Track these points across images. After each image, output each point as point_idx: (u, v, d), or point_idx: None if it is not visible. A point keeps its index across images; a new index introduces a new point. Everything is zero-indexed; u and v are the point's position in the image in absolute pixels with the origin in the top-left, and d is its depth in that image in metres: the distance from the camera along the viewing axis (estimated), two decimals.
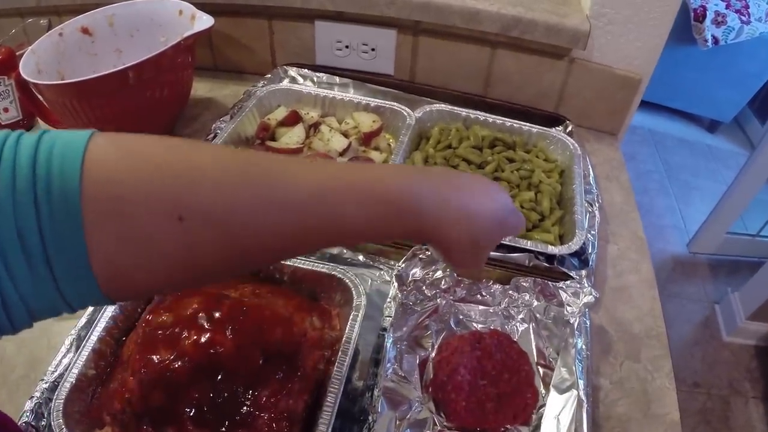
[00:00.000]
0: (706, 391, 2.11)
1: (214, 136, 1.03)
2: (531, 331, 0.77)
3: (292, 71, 1.23)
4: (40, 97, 1.05)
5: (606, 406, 0.74)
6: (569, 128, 1.11)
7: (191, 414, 0.63)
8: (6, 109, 1.10)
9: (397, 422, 0.66)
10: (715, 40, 2.78)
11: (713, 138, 3.38)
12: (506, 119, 1.07)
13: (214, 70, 1.32)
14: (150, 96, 1.00)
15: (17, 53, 1.09)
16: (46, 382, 0.69)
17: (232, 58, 1.31)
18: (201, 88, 1.20)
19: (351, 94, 1.14)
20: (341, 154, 1.01)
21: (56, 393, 0.66)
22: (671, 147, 3.26)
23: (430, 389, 0.70)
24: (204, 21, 1.04)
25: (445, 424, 0.68)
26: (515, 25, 1.06)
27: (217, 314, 0.68)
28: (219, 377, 0.64)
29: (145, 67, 0.95)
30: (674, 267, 2.59)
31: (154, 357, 0.66)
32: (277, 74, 1.23)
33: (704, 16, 2.75)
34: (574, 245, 0.84)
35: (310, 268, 0.77)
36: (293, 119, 1.06)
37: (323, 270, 0.76)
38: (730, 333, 2.28)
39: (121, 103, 0.98)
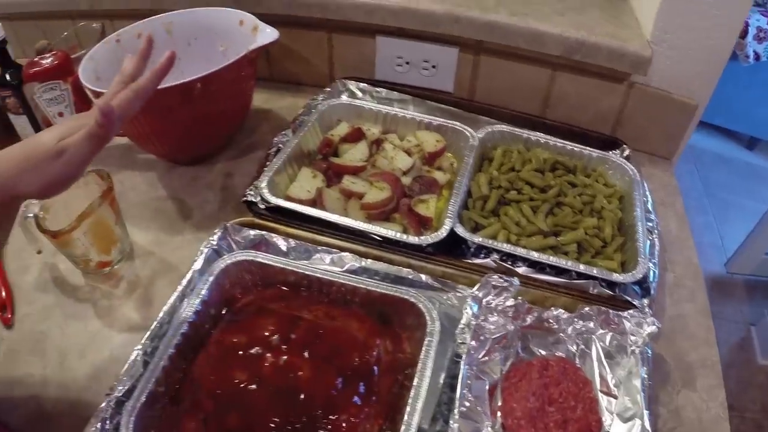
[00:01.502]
0: (740, 414, 2.09)
1: (277, 150, 1.05)
2: (594, 358, 0.78)
3: (351, 85, 1.25)
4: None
5: None
6: (626, 152, 1.11)
7: None
8: (61, 114, 1.12)
9: None
10: (757, 56, 2.75)
11: (752, 155, 3.34)
12: (566, 142, 1.08)
13: (270, 80, 1.34)
14: (213, 107, 1.02)
15: (72, 56, 1.12)
16: (112, 398, 0.69)
17: (290, 69, 1.34)
18: (258, 99, 1.22)
19: (412, 112, 1.14)
20: (405, 173, 1.02)
21: (125, 409, 0.67)
22: (709, 164, 3.23)
23: (499, 414, 0.72)
24: (268, 34, 1.05)
25: None
26: (578, 49, 1.07)
27: (293, 336, 0.70)
28: (297, 401, 0.66)
29: (210, 79, 0.96)
30: (711, 286, 2.56)
31: (231, 378, 0.68)
32: (336, 87, 1.24)
33: (746, 32, 2.72)
34: (638, 273, 0.84)
35: (382, 291, 0.78)
36: (356, 136, 1.07)
37: (396, 294, 0.77)
38: (765, 356, 2.26)
39: (184, 114, 0.99)
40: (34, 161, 0.60)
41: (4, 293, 0.88)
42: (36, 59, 1.09)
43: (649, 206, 0.99)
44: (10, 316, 0.86)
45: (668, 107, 1.12)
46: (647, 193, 1.02)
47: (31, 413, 0.75)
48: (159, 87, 0.91)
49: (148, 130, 1.01)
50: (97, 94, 0.98)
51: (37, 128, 1.15)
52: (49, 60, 1.08)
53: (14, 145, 0.62)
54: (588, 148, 1.07)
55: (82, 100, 1.08)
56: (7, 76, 1.08)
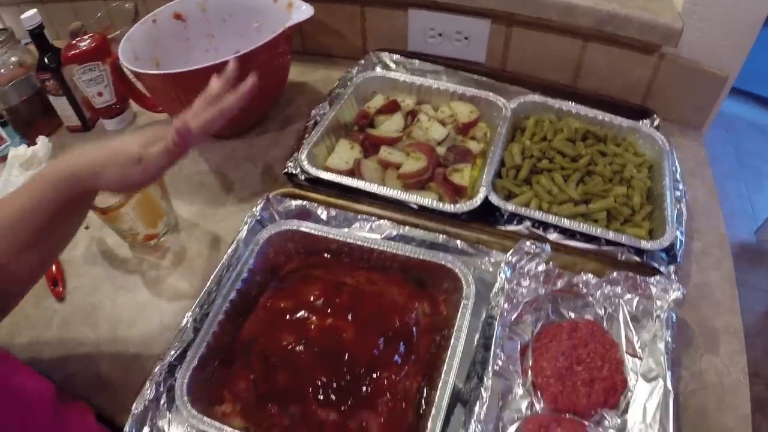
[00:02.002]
0: (765, 381, 2.09)
1: (314, 123, 1.08)
2: (621, 322, 0.81)
3: (385, 57, 1.27)
4: (135, 82, 1.12)
5: (685, 396, 0.78)
6: (656, 122, 1.13)
7: (316, 395, 0.69)
8: (100, 93, 1.17)
9: (500, 404, 0.72)
10: None
11: None
12: (597, 112, 1.09)
13: (303, 53, 1.37)
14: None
15: (107, 37, 1.17)
16: (165, 362, 0.75)
17: (323, 42, 1.36)
18: (292, 72, 1.24)
19: (445, 83, 1.17)
20: (440, 143, 1.06)
21: (179, 372, 0.72)
22: (743, 131, 3.18)
23: (530, 373, 0.76)
24: (303, 11, 1.07)
25: (542, 406, 0.74)
26: (610, 21, 1.07)
27: (337, 300, 0.75)
28: (342, 360, 0.70)
29: (249, 57, 0.99)
30: (740, 254, 2.54)
31: (280, 341, 0.73)
32: (369, 60, 1.27)
33: None
34: (665, 241, 0.87)
35: (420, 257, 0.82)
36: (392, 107, 1.11)
37: (433, 260, 0.81)
38: None
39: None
40: (118, 160, 0.66)
41: (54, 268, 0.94)
42: (74, 42, 1.13)
43: (678, 176, 1.01)
44: (61, 289, 0.91)
45: (698, 78, 1.13)
46: (676, 162, 1.04)
47: (88, 379, 0.81)
48: (201, 66, 0.95)
49: (186, 107, 1.03)
50: (137, 74, 1.03)
51: (77, 108, 1.20)
52: (86, 42, 1.12)
53: (104, 144, 0.68)
54: (618, 117, 1.09)
55: (120, 80, 1.12)
56: (46, 60, 1.12)
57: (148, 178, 0.68)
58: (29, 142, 1.17)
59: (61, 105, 1.18)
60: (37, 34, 1.09)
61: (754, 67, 2.85)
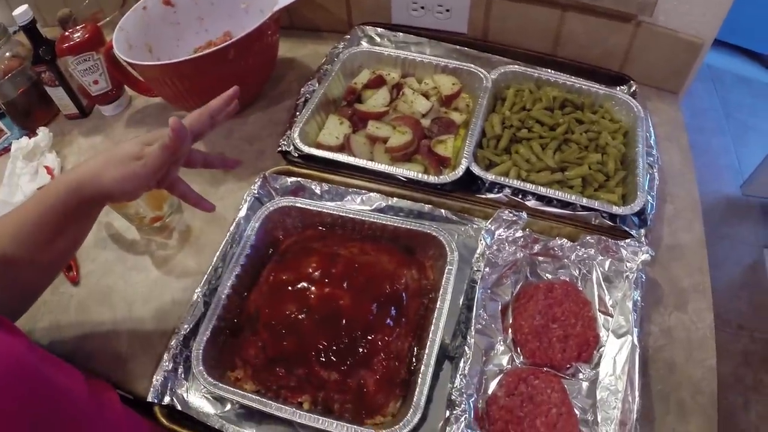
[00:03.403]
0: (749, 333, 2.15)
1: (305, 100, 1.13)
2: (594, 282, 0.88)
3: (370, 30, 1.31)
4: (130, 69, 1.15)
5: (654, 350, 0.84)
6: (633, 88, 1.17)
7: (319, 357, 0.76)
8: (96, 81, 1.20)
9: (484, 358, 0.79)
10: None
11: None
12: (575, 80, 1.14)
13: (290, 28, 1.40)
14: (245, 65, 1.09)
15: (98, 25, 1.19)
16: (180, 335, 0.82)
17: (308, 16, 1.39)
18: (281, 48, 1.27)
19: (429, 56, 1.21)
20: (424, 115, 1.11)
21: (194, 344, 0.79)
22: (729, 84, 3.19)
23: (510, 331, 0.83)
24: None
25: (521, 360, 0.81)
26: None
27: (333, 271, 0.81)
28: (341, 326, 0.78)
29: (241, 42, 1.03)
30: (726, 208, 2.59)
31: (284, 310, 0.79)
32: (355, 34, 1.31)
33: None
34: (635, 206, 0.92)
35: (408, 227, 0.89)
36: (378, 82, 1.15)
37: (420, 229, 0.88)
38: None
39: (219, 75, 1.07)
40: (117, 158, 0.70)
41: None
42: (67, 34, 1.15)
43: (652, 141, 1.06)
44: (75, 274, 0.96)
45: (674, 45, 1.17)
46: (651, 128, 1.09)
47: (108, 358, 0.86)
48: (196, 56, 0.99)
49: (182, 91, 1.09)
50: (131, 65, 1.07)
51: (74, 97, 1.23)
52: (79, 33, 1.15)
53: (105, 151, 0.73)
54: (596, 84, 1.14)
55: (114, 67, 1.15)
56: (41, 53, 1.14)
57: (149, 171, 0.70)
58: (29, 133, 1.20)
59: (58, 95, 1.21)
60: (29, 29, 1.11)
61: (741, 21, 2.88)
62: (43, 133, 1.18)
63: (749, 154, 2.77)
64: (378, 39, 1.30)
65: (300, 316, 0.78)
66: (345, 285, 0.80)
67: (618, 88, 1.16)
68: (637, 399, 0.73)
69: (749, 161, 2.70)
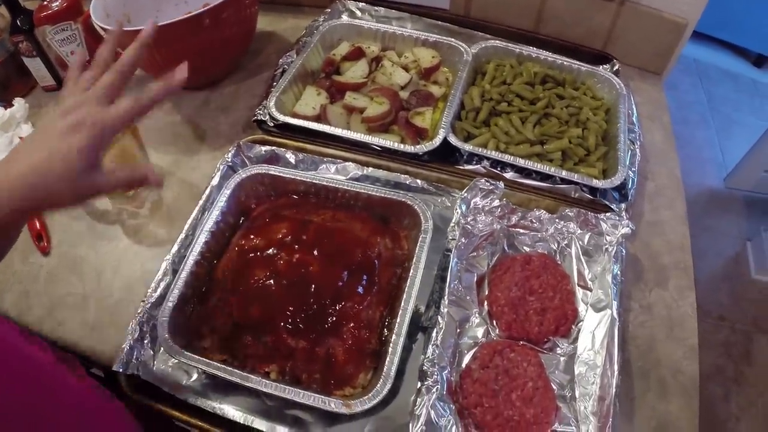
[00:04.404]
0: (731, 325, 2.17)
1: (282, 71, 1.11)
2: (573, 255, 0.87)
3: (351, 5, 1.29)
4: None
5: (634, 326, 0.83)
6: (616, 67, 1.16)
7: (286, 324, 0.74)
8: (73, 52, 1.17)
9: (458, 330, 0.77)
10: None
11: (759, 73, 3.30)
12: (557, 56, 1.13)
13: (272, 2, 1.37)
14: (221, 35, 1.07)
15: None
16: (147, 303, 0.80)
17: None
18: (262, 22, 1.25)
19: (409, 29, 1.19)
20: (403, 87, 1.09)
21: (160, 311, 0.76)
22: (715, 79, 3.21)
23: (486, 303, 0.81)
24: None
25: (497, 333, 0.79)
26: None
27: (304, 237, 0.79)
28: (309, 292, 0.75)
29: (217, 9, 1.01)
30: (710, 200, 2.60)
31: (252, 276, 0.77)
32: (336, 8, 1.29)
33: None
34: (616, 180, 0.91)
35: (382, 195, 0.86)
36: (357, 54, 1.13)
37: (394, 197, 0.86)
38: (758, 271, 2.31)
39: (194, 43, 1.05)
40: (54, 148, 0.55)
41: (38, 224, 0.96)
42: (45, 3, 1.13)
43: (634, 119, 1.05)
44: (46, 244, 0.94)
45: (658, 25, 1.16)
46: (633, 106, 1.08)
47: (77, 326, 0.84)
48: (172, 21, 0.96)
49: (158, 61, 1.06)
50: (108, 32, 1.04)
51: (51, 69, 1.20)
52: (58, 2, 1.12)
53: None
54: (577, 62, 1.12)
55: (92, 38, 1.14)
56: (18, 23, 1.11)
57: (103, 127, 0.57)
58: (5, 104, 1.17)
59: (35, 66, 1.19)
60: None
61: (728, 16, 2.90)
62: (18, 104, 1.15)
63: (733, 147, 2.79)
64: (359, 13, 1.28)
65: (268, 282, 0.76)
66: (315, 252, 0.78)
67: (601, 67, 1.14)
68: (616, 374, 0.72)
69: (733, 154, 2.71)
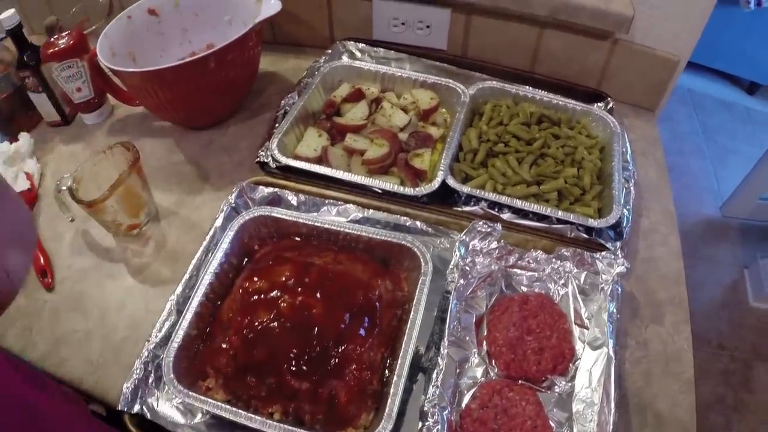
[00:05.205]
0: (730, 353, 2.17)
1: (284, 112, 1.13)
2: (570, 294, 0.88)
3: (351, 46, 1.32)
4: (113, 77, 1.15)
5: (631, 363, 0.85)
6: (610, 105, 1.19)
7: (290, 366, 0.75)
8: (79, 89, 1.19)
9: (458, 371, 0.79)
10: (758, 2, 2.75)
11: (753, 100, 3.35)
12: (552, 96, 1.15)
13: (273, 43, 1.41)
14: (226, 76, 1.10)
15: (83, 32, 1.19)
16: (152, 343, 0.81)
17: (292, 32, 1.40)
18: (264, 62, 1.29)
19: (408, 71, 1.22)
20: (402, 129, 1.11)
21: (165, 352, 0.78)
22: (710, 108, 3.24)
23: (485, 344, 0.83)
24: (272, 5, 1.11)
25: (496, 372, 0.80)
26: (563, 9, 1.13)
27: (306, 280, 0.81)
28: (312, 334, 0.77)
29: (222, 52, 1.04)
30: (706, 229, 2.62)
31: (256, 318, 0.79)
32: (336, 49, 1.32)
33: None
34: (611, 219, 0.93)
35: (382, 238, 0.88)
36: (357, 96, 1.16)
37: (394, 240, 0.88)
38: (756, 298, 2.33)
39: (200, 85, 1.07)
40: None
41: (42, 260, 0.97)
42: (52, 40, 1.15)
43: (628, 157, 1.08)
44: (50, 280, 0.95)
45: (651, 62, 1.19)
46: (627, 144, 1.10)
47: (80, 365, 0.85)
48: (176, 64, 0.99)
49: (163, 101, 1.09)
50: (114, 71, 1.08)
51: (56, 104, 1.22)
52: (64, 40, 1.15)
53: None
54: (573, 101, 1.15)
55: (98, 75, 1.16)
56: (25, 58, 1.14)
57: None
58: (10, 139, 1.19)
59: (40, 101, 1.21)
60: (15, 33, 1.11)
61: (721, 45, 2.95)
62: (24, 138, 1.17)
63: (728, 176, 2.81)
64: (359, 54, 1.31)
65: (272, 325, 0.77)
66: (318, 294, 0.79)
67: (595, 105, 1.17)
68: (613, 411, 0.73)
69: (728, 183, 2.74)
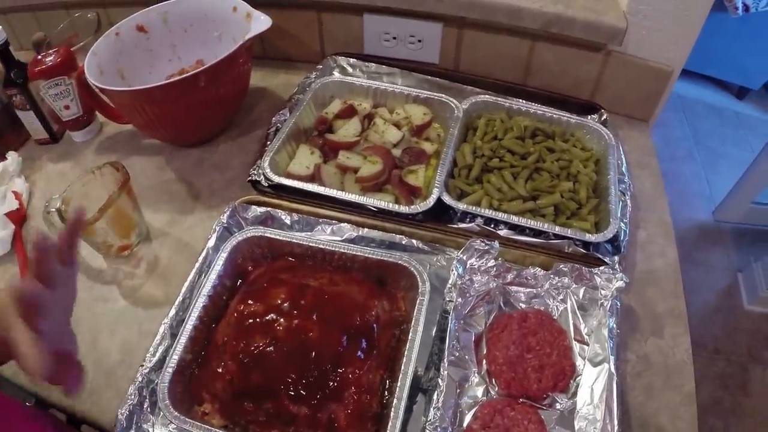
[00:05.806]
0: (726, 357, 2.19)
1: (276, 130, 1.12)
2: (569, 310, 0.87)
3: (342, 61, 1.31)
4: (101, 94, 1.14)
5: (632, 377, 0.84)
6: (604, 116, 1.19)
7: (287, 391, 0.74)
8: (67, 107, 1.18)
9: (458, 390, 0.78)
10: (746, 8, 2.77)
11: (742, 105, 3.38)
12: (546, 109, 1.15)
13: (263, 58, 1.40)
14: (216, 94, 1.09)
15: (71, 49, 1.18)
16: (146, 368, 0.79)
17: (282, 47, 1.39)
18: (254, 78, 1.28)
19: (401, 86, 1.21)
20: (395, 145, 1.10)
21: (160, 377, 0.76)
22: (701, 113, 3.27)
23: (485, 362, 0.82)
24: (262, 21, 1.11)
25: (497, 391, 0.79)
26: (555, 22, 1.13)
27: (302, 302, 0.79)
28: (310, 358, 0.75)
29: (212, 70, 1.03)
30: (699, 234, 2.64)
31: (252, 342, 0.77)
32: (327, 64, 1.31)
33: None
34: (608, 233, 0.92)
35: (378, 257, 0.87)
36: (349, 112, 1.15)
37: (390, 259, 0.87)
38: (751, 302, 2.34)
39: (190, 102, 1.06)
40: None
41: None
42: (39, 57, 1.14)
43: (624, 169, 1.07)
44: None
45: (644, 73, 1.19)
46: (622, 156, 1.09)
47: None
48: (165, 82, 0.98)
49: (152, 119, 1.08)
50: (102, 90, 1.06)
51: (45, 122, 1.21)
52: (52, 57, 1.13)
53: None
54: (566, 114, 1.15)
55: (86, 93, 1.14)
56: (12, 75, 1.12)
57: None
58: None
59: (28, 119, 1.20)
60: (2, 51, 1.10)
61: (710, 51, 2.97)
62: (12, 157, 1.16)
63: (720, 180, 2.83)
64: (350, 69, 1.30)
65: (268, 349, 0.76)
66: (314, 316, 0.78)
67: (589, 117, 1.17)
68: (616, 427, 0.72)
69: (720, 188, 2.76)
